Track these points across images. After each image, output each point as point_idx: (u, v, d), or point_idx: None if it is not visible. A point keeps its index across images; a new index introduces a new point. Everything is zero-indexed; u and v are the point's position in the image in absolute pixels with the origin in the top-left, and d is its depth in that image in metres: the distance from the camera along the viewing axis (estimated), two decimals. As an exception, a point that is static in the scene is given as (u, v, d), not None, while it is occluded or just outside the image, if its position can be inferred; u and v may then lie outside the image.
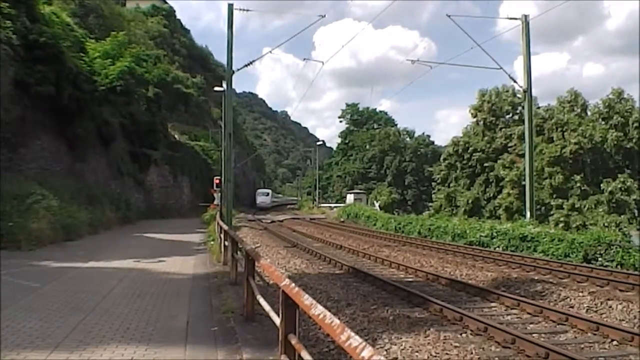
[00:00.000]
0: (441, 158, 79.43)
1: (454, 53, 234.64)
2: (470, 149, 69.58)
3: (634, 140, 56.28)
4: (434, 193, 79.69)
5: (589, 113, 61.97)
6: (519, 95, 61.76)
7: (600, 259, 19.01)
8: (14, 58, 26.68)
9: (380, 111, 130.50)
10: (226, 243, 15.27)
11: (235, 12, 28.86)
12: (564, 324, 9.94)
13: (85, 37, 36.47)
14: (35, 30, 28.36)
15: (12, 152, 26.36)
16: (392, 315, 10.34)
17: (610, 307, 11.55)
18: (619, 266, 17.95)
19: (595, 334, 9.26)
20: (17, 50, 26.80)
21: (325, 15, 26.23)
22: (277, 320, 5.19)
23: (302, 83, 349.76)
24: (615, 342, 8.85)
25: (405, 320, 9.97)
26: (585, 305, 11.79)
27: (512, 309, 11.42)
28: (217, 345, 7.26)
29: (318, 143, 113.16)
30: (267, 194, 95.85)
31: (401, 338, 8.65)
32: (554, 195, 57.05)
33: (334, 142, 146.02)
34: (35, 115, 28.62)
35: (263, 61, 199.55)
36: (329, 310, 3.67)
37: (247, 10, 29.11)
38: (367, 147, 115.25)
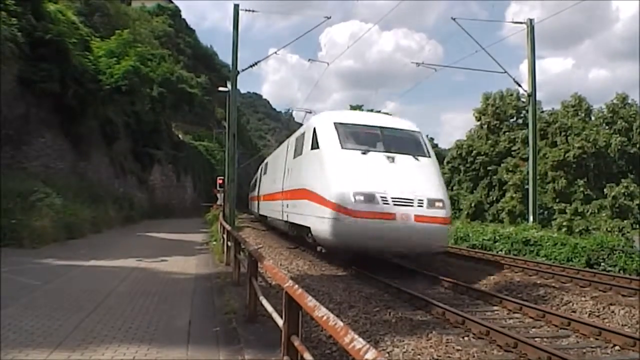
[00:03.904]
0: (445, 161, 79.11)
1: (461, 56, 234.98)
2: (474, 152, 69.32)
3: (637, 146, 56.08)
4: (437, 196, 79.14)
5: (592, 118, 61.80)
6: (523, 99, 61.70)
7: (603, 263, 18.97)
8: (19, 55, 26.72)
9: (385, 113, 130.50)
10: (229, 243, 15.29)
11: (241, 13, 28.87)
12: (566, 329, 9.91)
13: (90, 35, 36.54)
14: (40, 27, 28.40)
15: (15, 149, 26.42)
16: (395, 318, 10.32)
17: (613, 312, 11.51)
18: (621, 271, 17.93)
19: (597, 339, 9.22)
20: (22, 47, 26.83)
21: (330, 17, 26.04)
22: (280, 322, 5.20)
23: (307, 84, 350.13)
24: (617, 347, 8.81)
25: (408, 323, 9.95)
26: (587, 310, 11.75)
27: (514, 312, 11.39)
28: (219, 346, 7.27)
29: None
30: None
31: (403, 341, 8.63)
32: (557, 200, 56.85)
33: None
34: (39, 113, 28.68)
35: (268, 62, 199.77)
36: (332, 312, 3.67)
37: (253, 11, 29.10)
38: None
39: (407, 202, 15.08)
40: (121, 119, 42.37)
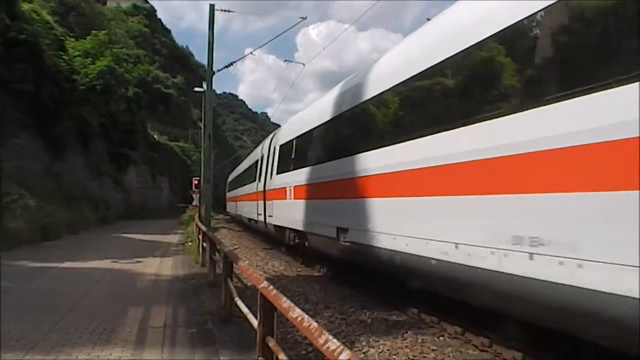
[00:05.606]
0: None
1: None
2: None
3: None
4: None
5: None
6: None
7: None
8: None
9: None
10: (204, 244, 15.24)
11: (217, 13, 28.70)
12: (541, 328, 9.95)
13: (65, 35, 36.21)
14: (14, 27, 28.10)
15: (-11, 150, 26.10)
16: (370, 318, 10.35)
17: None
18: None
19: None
20: (-4, 47, 26.55)
21: (306, 18, 26.06)
22: (255, 323, 5.21)
23: (284, 84, 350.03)
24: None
25: (384, 323, 9.97)
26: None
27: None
28: (194, 347, 7.26)
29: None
30: None
31: (379, 341, 8.66)
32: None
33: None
34: (14, 113, 28.32)
35: (245, 62, 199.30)
36: (307, 313, 3.70)
37: (229, 12, 28.83)
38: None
39: None
40: (96, 120, 42.01)
